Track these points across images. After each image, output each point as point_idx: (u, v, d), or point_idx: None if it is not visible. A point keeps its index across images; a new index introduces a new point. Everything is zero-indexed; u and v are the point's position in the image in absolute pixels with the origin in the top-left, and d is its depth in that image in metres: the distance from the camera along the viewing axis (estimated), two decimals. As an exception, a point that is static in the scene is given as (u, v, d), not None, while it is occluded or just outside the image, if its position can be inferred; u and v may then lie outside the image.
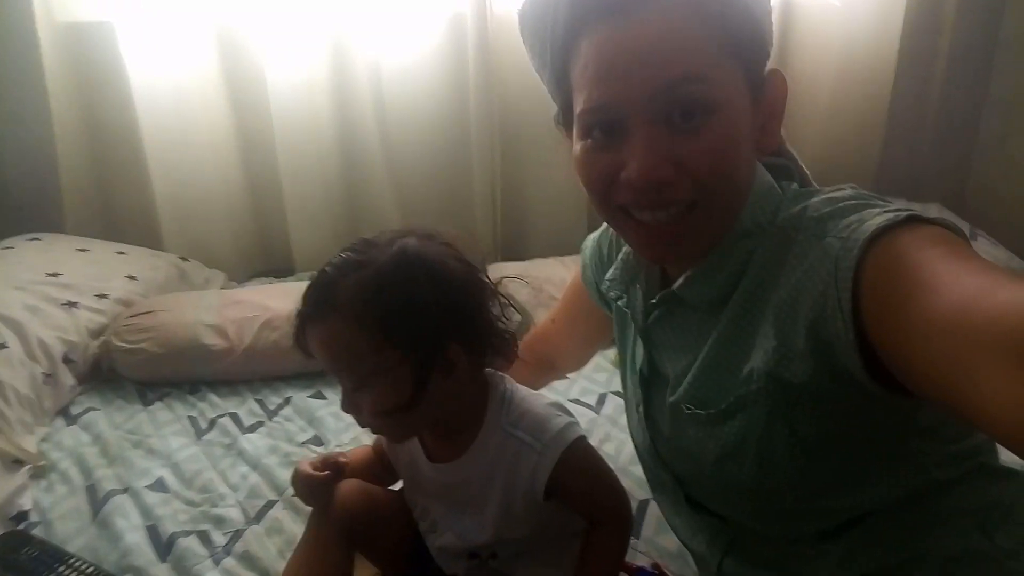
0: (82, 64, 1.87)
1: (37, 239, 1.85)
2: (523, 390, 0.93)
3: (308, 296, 0.83)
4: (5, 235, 1.86)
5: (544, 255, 2.01)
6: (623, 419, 1.45)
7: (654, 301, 0.76)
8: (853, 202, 0.63)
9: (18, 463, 1.32)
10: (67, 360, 1.56)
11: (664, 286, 0.78)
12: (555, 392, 1.54)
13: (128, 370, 1.62)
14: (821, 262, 0.60)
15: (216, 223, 2.05)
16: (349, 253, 0.83)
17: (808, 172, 0.77)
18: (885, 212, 0.59)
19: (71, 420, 1.50)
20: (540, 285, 1.80)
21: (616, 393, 1.56)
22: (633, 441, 0.89)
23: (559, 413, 0.90)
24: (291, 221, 2.06)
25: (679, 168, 0.63)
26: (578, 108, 0.66)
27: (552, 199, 2.09)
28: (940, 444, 0.68)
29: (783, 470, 0.67)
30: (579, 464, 0.86)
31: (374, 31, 1.88)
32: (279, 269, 2.16)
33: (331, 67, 1.90)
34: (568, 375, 1.56)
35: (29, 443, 1.39)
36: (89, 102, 1.92)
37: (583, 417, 1.47)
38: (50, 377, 1.51)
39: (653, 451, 0.81)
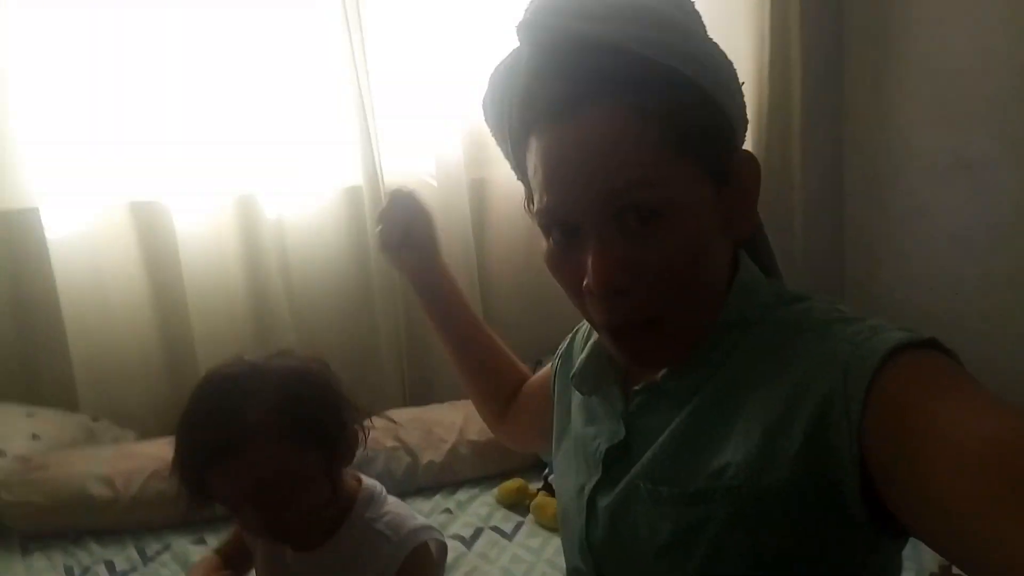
0: (8, 246, 2.06)
1: (-50, 404, 1.93)
2: (393, 499, 1.01)
3: (209, 438, 0.82)
4: (-78, 402, 1.95)
5: (452, 399, 2.08)
6: (493, 552, 1.51)
7: (637, 389, 0.71)
8: (858, 315, 0.61)
9: None
10: (-47, 514, 1.60)
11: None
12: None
13: (14, 521, 1.66)
14: (827, 366, 0.56)
15: (131, 385, 2.14)
16: (232, 384, 0.85)
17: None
18: (900, 329, 0.57)
19: (-53, 572, 1.52)
20: (430, 428, 1.89)
21: (494, 528, 1.60)
22: (563, 532, 0.81)
23: (421, 519, 0.98)
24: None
25: (635, 274, 0.60)
26: (535, 206, 0.65)
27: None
28: None
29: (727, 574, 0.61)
30: (420, 565, 0.93)
31: (278, 198, 2.08)
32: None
33: (239, 229, 2.08)
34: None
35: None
36: (14, 280, 2.08)
37: (452, 550, 1.51)
38: (-68, 529, 1.55)
39: (584, 538, 0.73)
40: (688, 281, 0.61)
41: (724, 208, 0.62)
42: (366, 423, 0.94)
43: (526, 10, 0.62)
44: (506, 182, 2.18)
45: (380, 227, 0.98)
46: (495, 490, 1.75)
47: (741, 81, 0.65)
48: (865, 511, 0.54)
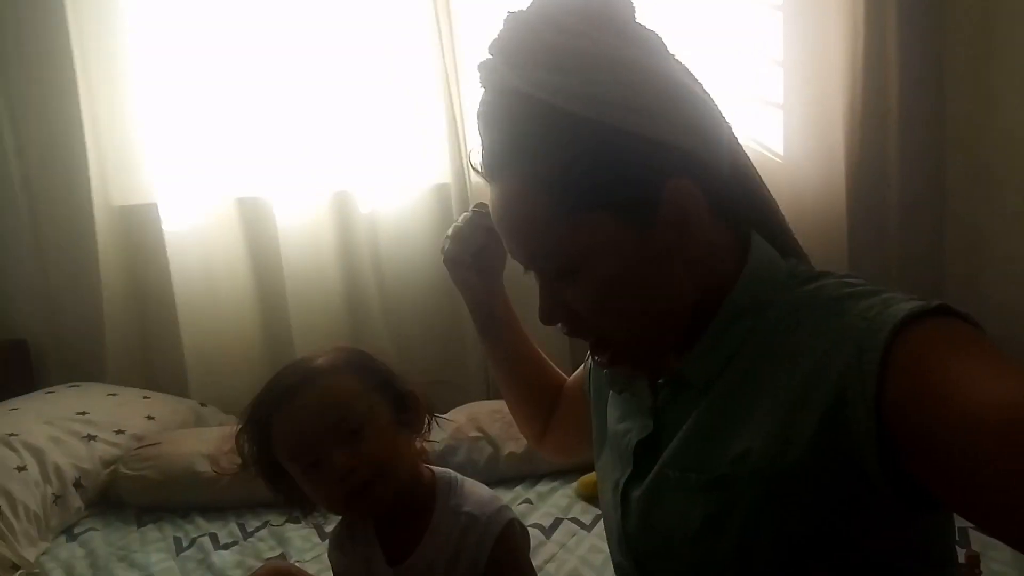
0: (130, 239, 2.25)
1: (76, 386, 2.12)
2: (470, 481, 0.99)
3: (282, 382, 0.88)
4: (53, 383, 2.15)
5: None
6: (572, 542, 1.54)
7: (661, 382, 0.73)
8: (871, 287, 0.61)
9: (14, 568, 1.49)
10: (78, 485, 1.76)
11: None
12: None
13: (131, 496, 1.80)
14: (841, 343, 0.57)
15: (235, 373, 2.29)
16: (293, 366, 0.92)
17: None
18: (911, 300, 0.57)
19: (72, 538, 1.67)
20: (511, 420, 1.91)
21: (573, 520, 1.63)
22: (606, 529, 0.83)
23: (500, 501, 0.96)
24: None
25: (569, 314, 0.67)
26: None
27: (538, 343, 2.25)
28: (927, 568, 0.64)
29: (763, 561, 0.62)
30: (514, 543, 0.91)
31: (371, 195, 2.19)
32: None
33: (334, 224, 2.19)
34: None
35: (30, 554, 1.56)
36: (133, 271, 2.27)
37: (532, 539, 1.54)
38: (60, 499, 1.71)
39: (622, 532, 0.75)
40: (622, 317, 0.66)
41: (659, 241, 0.63)
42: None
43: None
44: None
45: (449, 246, 0.94)
46: (575, 483, 1.77)
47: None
48: (889, 486, 0.54)
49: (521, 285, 0.82)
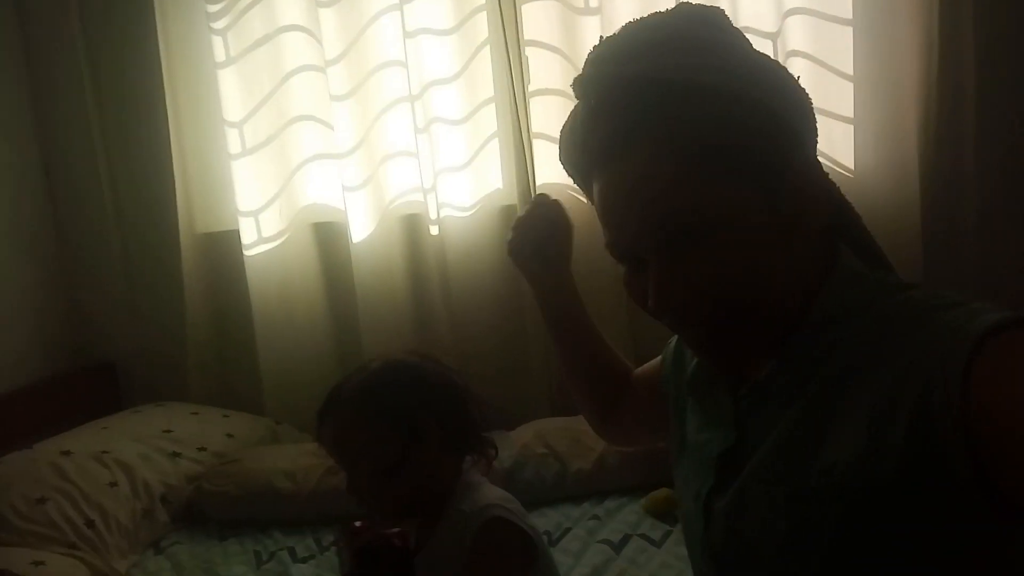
0: (212, 264, 2.35)
1: (161, 405, 2.22)
2: (488, 485, 1.09)
3: (323, 401, 1.10)
4: (139, 403, 2.26)
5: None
6: (642, 558, 1.53)
7: (743, 392, 0.72)
8: (959, 299, 0.61)
9: (106, 579, 1.57)
10: (164, 500, 1.84)
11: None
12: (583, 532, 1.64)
13: (213, 510, 1.87)
14: (926, 355, 0.57)
15: (309, 392, 2.34)
16: (351, 372, 1.12)
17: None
18: (999, 311, 0.56)
19: (159, 551, 1.75)
20: (578, 437, 1.93)
21: (642, 536, 1.63)
22: (686, 539, 0.83)
23: (500, 502, 1.03)
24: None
25: (694, 291, 0.64)
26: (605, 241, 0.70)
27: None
28: None
29: (851, 573, 0.62)
30: (493, 537, 0.98)
31: (440, 216, 2.24)
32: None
33: (404, 246, 2.25)
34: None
35: (121, 566, 1.63)
36: (214, 295, 2.37)
37: (601, 554, 1.55)
38: (149, 513, 1.79)
39: (705, 543, 0.75)
40: (746, 293, 0.64)
41: (786, 217, 0.64)
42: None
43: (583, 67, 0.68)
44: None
45: (512, 236, 0.97)
46: (643, 500, 1.77)
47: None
48: (980, 498, 0.53)
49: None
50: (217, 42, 2.14)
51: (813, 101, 0.67)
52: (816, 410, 0.64)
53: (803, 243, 0.66)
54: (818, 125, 0.69)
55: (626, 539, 1.62)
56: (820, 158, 0.71)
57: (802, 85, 0.68)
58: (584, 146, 0.69)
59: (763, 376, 0.69)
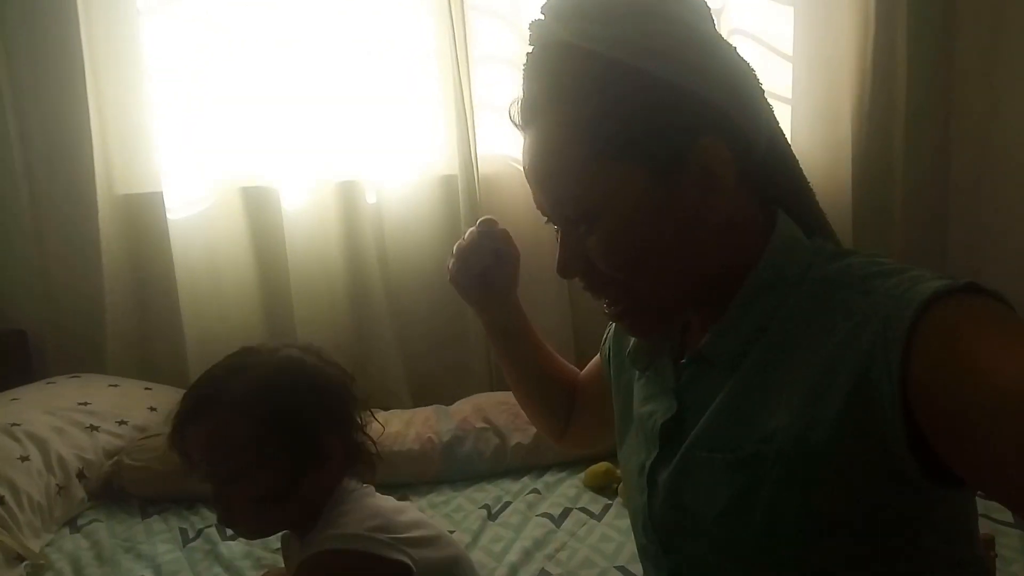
0: (133, 228, 2.21)
1: (77, 376, 2.09)
2: (371, 499, 0.95)
3: (190, 397, 0.91)
4: (52, 374, 2.13)
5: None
6: (582, 531, 1.54)
7: (684, 362, 0.73)
8: (900, 266, 0.61)
9: (19, 559, 1.47)
10: (81, 476, 1.74)
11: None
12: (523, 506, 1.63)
13: (135, 487, 1.77)
14: (867, 321, 0.56)
15: (237, 364, 2.27)
16: (232, 359, 0.94)
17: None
18: (940, 277, 0.56)
19: (75, 529, 1.65)
20: (518, 411, 1.90)
21: (582, 509, 1.63)
22: (630, 513, 0.84)
23: (354, 530, 0.88)
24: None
25: (588, 265, 0.67)
26: None
27: (545, 335, 2.24)
28: (950, 546, 0.64)
29: (789, 539, 0.62)
30: (313, 565, 0.87)
31: (377, 184, 2.17)
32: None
33: (340, 213, 2.17)
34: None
35: (34, 544, 1.54)
36: (136, 260, 2.24)
37: (541, 527, 1.55)
38: (63, 489, 1.68)
39: (647, 514, 0.75)
40: (640, 269, 0.66)
41: (684, 199, 0.64)
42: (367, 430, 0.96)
43: None
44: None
45: (454, 264, 0.93)
46: (582, 473, 1.77)
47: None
48: (917, 465, 0.54)
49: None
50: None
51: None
52: (757, 377, 0.65)
53: (714, 219, 0.65)
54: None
55: (566, 512, 1.62)
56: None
57: (751, 70, 0.67)
58: (521, 101, 0.69)
59: (703, 344, 0.69)
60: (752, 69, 0.67)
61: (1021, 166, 2.04)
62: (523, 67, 0.68)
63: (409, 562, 0.87)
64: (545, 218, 0.71)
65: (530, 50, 0.67)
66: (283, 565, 1.11)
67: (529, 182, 0.70)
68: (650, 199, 0.64)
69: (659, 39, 0.62)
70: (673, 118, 0.62)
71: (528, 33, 0.67)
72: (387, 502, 0.96)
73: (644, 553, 0.81)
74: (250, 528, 0.95)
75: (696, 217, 0.65)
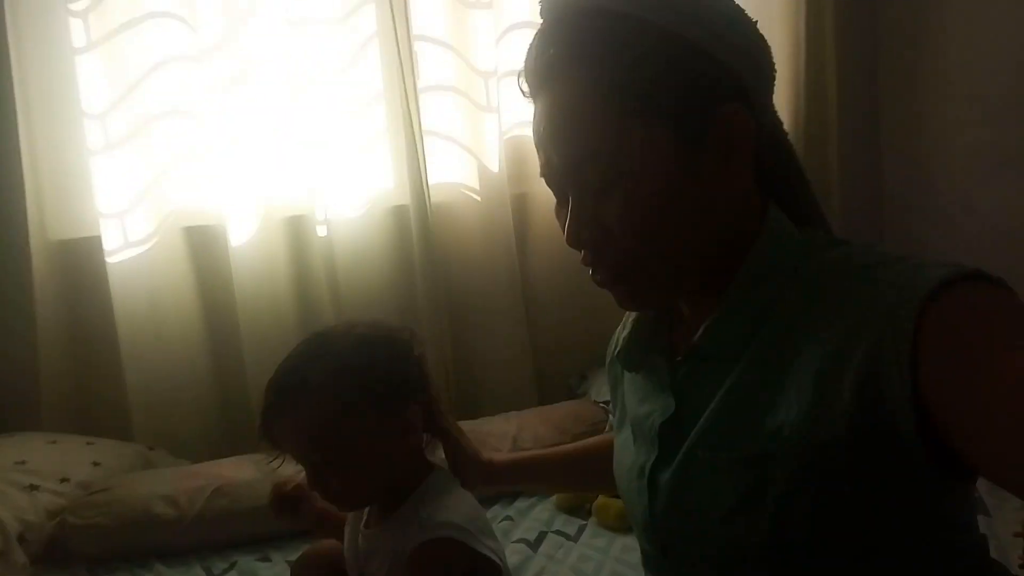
0: (68, 274, 2.09)
1: (11, 435, 1.96)
2: (460, 490, 0.99)
3: (275, 389, 0.94)
4: (-17, 434, 1.98)
5: (501, 411, 2.09)
6: (560, 553, 1.50)
7: (680, 359, 0.72)
8: (900, 254, 0.61)
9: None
10: (22, 540, 1.61)
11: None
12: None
13: (82, 546, 1.65)
14: (873, 312, 0.56)
15: (183, 413, 2.16)
16: (307, 346, 0.97)
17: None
18: (944, 265, 0.56)
19: (18, 596, 1.53)
20: (483, 439, 1.88)
21: (557, 532, 1.60)
22: (632, 520, 0.81)
23: (461, 522, 0.92)
24: (255, 409, 2.17)
25: (605, 231, 0.65)
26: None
27: (501, 364, 2.22)
28: (953, 534, 0.64)
29: (796, 537, 0.60)
30: (431, 553, 0.89)
31: (327, 217, 2.13)
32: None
33: (288, 249, 2.12)
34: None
35: (-27, 617, 1.41)
36: (73, 309, 2.11)
37: (519, 554, 1.50)
38: (3, 555, 1.55)
39: (648, 516, 0.73)
40: (654, 236, 0.64)
41: (705, 165, 0.63)
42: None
43: None
44: (548, 197, 2.21)
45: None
46: (554, 497, 1.74)
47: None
48: (925, 454, 0.53)
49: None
50: (76, 24, 1.92)
51: None
52: (758, 372, 0.63)
53: (727, 192, 0.65)
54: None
55: (542, 536, 1.59)
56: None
57: (765, 40, 0.68)
58: (530, 67, 0.68)
59: (699, 338, 0.68)
60: (769, 47, 0.68)
61: (952, 169, 2.14)
62: (535, 36, 0.67)
63: (500, 563, 0.94)
64: (553, 187, 0.70)
65: (543, 22, 0.67)
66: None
67: (541, 148, 0.68)
68: (673, 161, 0.63)
69: (686, 2, 0.63)
70: (698, 79, 0.62)
71: (541, 4, 0.67)
72: (472, 498, 1.00)
73: (646, 559, 0.79)
74: (350, 502, 1.00)
75: (714, 184, 0.64)
